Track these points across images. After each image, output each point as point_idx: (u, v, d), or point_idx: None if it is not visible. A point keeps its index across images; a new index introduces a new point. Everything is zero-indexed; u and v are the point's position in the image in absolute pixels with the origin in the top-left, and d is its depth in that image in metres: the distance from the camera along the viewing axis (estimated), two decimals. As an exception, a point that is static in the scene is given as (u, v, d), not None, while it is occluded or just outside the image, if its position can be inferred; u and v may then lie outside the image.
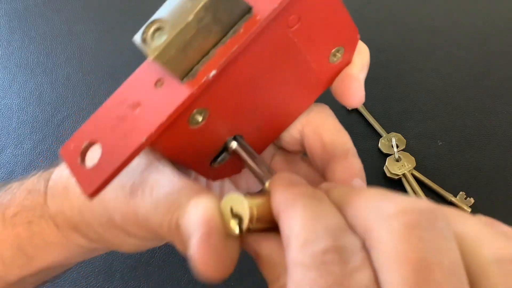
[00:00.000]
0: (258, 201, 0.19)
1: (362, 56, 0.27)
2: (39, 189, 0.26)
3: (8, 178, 0.52)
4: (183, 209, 0.20)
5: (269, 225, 0.20)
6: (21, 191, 0.27)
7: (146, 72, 0.21)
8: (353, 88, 0.26)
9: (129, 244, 0.25)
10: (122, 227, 0.23)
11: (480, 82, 0.56)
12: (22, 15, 0.66)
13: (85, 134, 0.21)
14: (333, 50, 0.25)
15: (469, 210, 0.46)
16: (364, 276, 0.15)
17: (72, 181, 0.25)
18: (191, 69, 0.20)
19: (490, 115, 0.53)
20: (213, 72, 0.20)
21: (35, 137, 0.55)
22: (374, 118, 0.53)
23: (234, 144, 0.25)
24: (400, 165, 0.49)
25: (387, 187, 0.49)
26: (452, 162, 0.50)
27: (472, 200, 0.46)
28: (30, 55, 0.62)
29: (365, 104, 0.54)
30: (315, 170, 0.28)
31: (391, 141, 0.50)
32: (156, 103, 0.20)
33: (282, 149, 0.30)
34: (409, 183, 0.48)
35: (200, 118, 0.22)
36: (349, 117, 0.54)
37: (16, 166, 0.53)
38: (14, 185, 0.28)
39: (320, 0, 0.22)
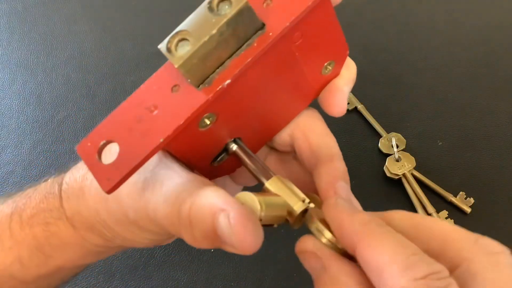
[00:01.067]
0: (264, 198, 0.22)
1: (349, 71, 0.29)
2: (54, 192, 0.27)
3: (8, 178, 0.52)
4: (197, 195, 0.21)
5: (274, 222, 0.23)
6: (36, 195, 0.28)
7: (163, 77, 0.23)
8: (337, 99, 0.28)
9: (142, 239, 0.25)
10: (136, 222, 0.24)
11: (480, 82, 0.56)
12: (22, 15, 0.66)
13: (102, 133, 0.22)
14: (325, 63, 0.27)
15: (469, 210, 0.46)
16: None
17: (86, 183, 0.26)
18: (207, 77, 0.22)
19: (490, 115, 0.53)
20: (228, 81, 0.21)
21: (35, 137, 0.55)
22: (374, 118, 0.53)
23: (234, 146, 0.27)
24: (400, 165, 0.49)
25: (387, 187, 0.49)
26: (452, 162, 0.50)
27: (472, 200, 0.46)
28: (30, 55, 0.62)
29: (365, 104, 0.54)
30: (304, 170, 0.29)
31: (391, 141, 0.50)
32: (173, 107, 0.22)
33: (274, 149, 0.31)
34: (409, 183, 0.48)
35: (208, 122, 0.23)
36: (349, 117, 0.54)
37: (16, 166, 0.53)
38: (28, 190, 0.29)
39: (321, 19, 0.24)
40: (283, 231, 0.47)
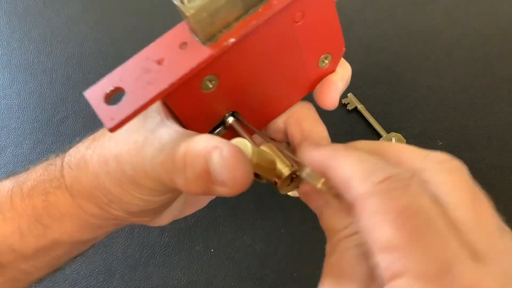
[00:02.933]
0: (257, 148, 0.24)
1: (344, 70, 0.31)
2: (56, 164, 0.29)
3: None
4: (192, 140, 0.23)
5: (263, 174, 0.25)
6: (37, 168, 0.29)
7: (172, 37, 0.24)
8: (330, 91, 0.30)
9: (137, 199, 0.26)
10: (133, 179, 0.25)
11: (480, 82, 0.56)
12: (22, 15, 0.66)
13: (110, 81, 0.24)
14: (322, 56, 0.29)
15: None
16: (428, 197, 0.18)
17: (89, 152, 0.27)
18: (214, 36, 0.23)
19: (490, 115, 0.53)
20: (232, 40, 0.23)
21: (35, 137, 0.55)
22: (374, 118, 0.53)
23: (231, 119, 0.28)
24: (400, 165, 0.49)
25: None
26: (452, 162, 0.50)
27: (472, 200, 0.46)
28: (30, 55, 0.62)
29: (365, 104, 0.54)
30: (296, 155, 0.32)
31: (391, 141, 0.50)
32: (180, 60, 0.23)
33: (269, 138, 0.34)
34: (409, 183, 0.48)
35: (210, 85, 0.25)
36: (349, 117, 0.54)
37: (16, 166, 0.53)
38: (30, 167, 0.30)
39: (322, 5, 0.26)
40: (283, 231, 0.47)
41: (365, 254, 0.20)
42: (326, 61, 0.30)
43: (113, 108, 0.23)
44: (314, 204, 0.25)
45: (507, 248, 0.19)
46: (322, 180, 0.24)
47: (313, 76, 0.30)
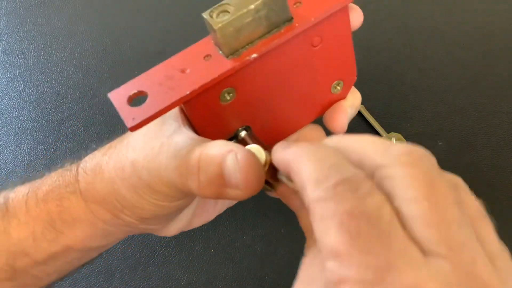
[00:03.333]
0: (270, 155, 0.25)
1: (355, 98, 0.32)
2: (71, 170, 0.30)
3: (8, 178, 0.52)
4: (206, 146, 0.24)
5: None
6: (53, 175, 0.30)
7: (197, 49, 0.26)
8: (340, 116, 0.31)
9: (150, 205, 0.27)
10: (148, 184, 0.26)
11: (480, 82, 0.56)
12: (22, 15, 0.66)
13: (134, 85, 0.25)
14: (335, 82, 0.31)
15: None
16: (376, 198, 0.18)
17: (105, 158, 0.28)
18: (237, 51, 0.25)
19: (490, 115, 0.53)
20: (254, 55, 0.25)
21: (35, 137, 0.55)
22: (374, 118, 0.53)
23: (243, 133, 0.29)
24: (400, 165, 0.49)
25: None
26: (452, 162, 0.50)
27: (472, 200, 0.46)
28: (30, 55, 0.62)
29: (365, 104, 0.54)
30: None
31: (391, 141, 0.50)
32: (203, 70, 0.25)
33: None
34: (409, 183, 0.48)
35: (228, 98, 0.26)
36: (349, 117, 0.54)
37: (16, 166, 0.53)
38: (45, 173, 0.31)
39: (339, 32, 0.28)
40: (283, 231, 0.47)
41: None
42: (338, 87, 0.31)
43: (135, 109, 0.24)
44: (291, 204, 0.24)
45: (466, 241, 0.17)
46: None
47: (325, 101, 0.31)
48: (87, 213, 0.28)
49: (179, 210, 0.31)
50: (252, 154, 0.23)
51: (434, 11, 0.63)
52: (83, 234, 0.29)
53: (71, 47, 0.62)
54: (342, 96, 0.32)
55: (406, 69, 0.58)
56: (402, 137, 0.51)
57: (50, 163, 0.53)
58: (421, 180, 0.18)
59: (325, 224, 0.17)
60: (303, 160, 0.20)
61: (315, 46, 0.27)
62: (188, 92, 0.24)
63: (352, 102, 0.32)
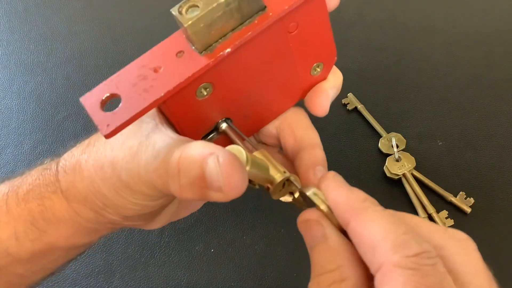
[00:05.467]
0: (251, 155, 0.24)
1: (336, 78, 0.32)
2: (51, 169, 0.29)
3: (8, 178, 0.52)
4: (186, 147, 0.23)
5: (256, 180, 0.25)
6: (33, 173, 0.29)
7: (168, 45, 0.25)
8: (321, 99, 0.31)
9: (132, 204, 0.27)
10: (127, 184, 0.25)
11: (480, 82, 0.56)
12: (22, 15, 0.66)
13: (106, 88, 0.24)
14: (314, 64, 0.30)
15: (469, 210, 0.46)
16: (450, 279, 0.19)
17: (84, 157, 0.27)
18: (210, 45, 0.24)
19: (490, 115, 0.53)
20: (228, 50, 0.23)
21: (35, 137, 0.55)
22: (374, 118, 0.53)
23: (224, 125, 0.28)
24: (400, 165, 0.49)
25: (387, 187, 0.49)
26: (452, 162, 0.50)
27: (472, 200, 0.46)
28: (30, 55, 0.62)
29: (365, 104, 0.54)
30: (289, 161, 0.32)
31: (391, 141, 0.50)
32: (176, 68, 0.24)
33: (261, 143, 0.34)
34: (409, 183, 0.48)
35: (205, 93, 0.25)
36: (349, 117, 0.54)
37: (16, 166, 0.53)
38: (25, 172, 0.30)
39: (315, 16, 0.27)
40: (283, 231, 0.47)
41: None
42: (318, 69, 0.30)
43: (109, 114, 0.23)
44: (311, 233, 0.24)
45: None
46: (327, 209, 0.24)
47: (305, 84, 0.31)
48: (70, 212, 0.28)
49: (162, 207, 0.30)
50: (233, 156, 0.22)
51: (434, 11, 0.63)
52: (67, 232, 0.28)
53: (71, 47, 0.62)
54: (323, 77, 0.31)
55: (406, 69, 0.58)
56: (402, 137, 0.51)
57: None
58: (484, 271, 0.21)
59: None
60: (376, 216, 0.21)
61: (291, 32, 0.26)
62: (162, 94, 0.23)
63: (333, 83, 0.32)
